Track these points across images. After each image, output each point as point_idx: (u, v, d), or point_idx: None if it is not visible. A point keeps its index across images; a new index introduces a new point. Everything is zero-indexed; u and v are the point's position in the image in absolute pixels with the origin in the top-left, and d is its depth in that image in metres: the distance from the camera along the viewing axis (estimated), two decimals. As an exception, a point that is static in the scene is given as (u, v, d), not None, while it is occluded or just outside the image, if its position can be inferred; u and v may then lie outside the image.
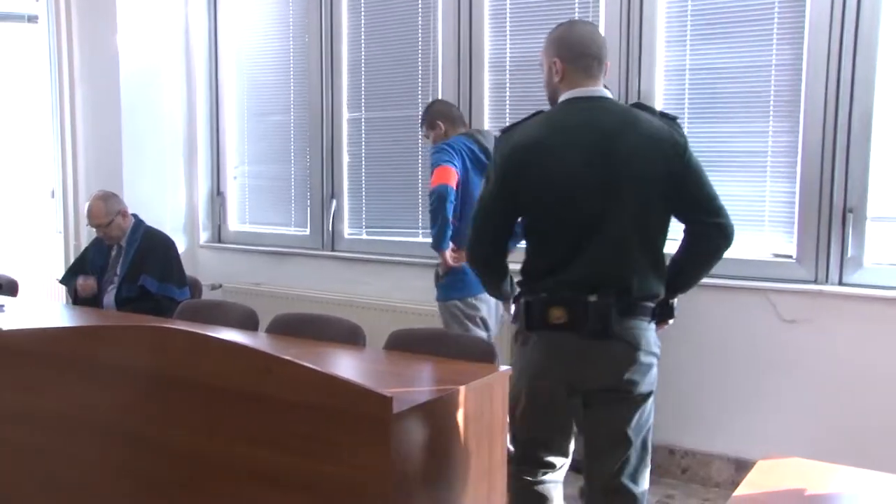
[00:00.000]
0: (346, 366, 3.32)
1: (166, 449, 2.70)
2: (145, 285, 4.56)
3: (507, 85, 4.71)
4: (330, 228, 5.50)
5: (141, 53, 5.71)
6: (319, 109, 5.48)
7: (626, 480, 2.54)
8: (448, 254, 4.08)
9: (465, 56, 4.83)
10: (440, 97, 4.88)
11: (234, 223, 6.11)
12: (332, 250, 5.49)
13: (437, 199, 4.00)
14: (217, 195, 6.11)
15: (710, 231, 2.55)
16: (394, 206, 5.27)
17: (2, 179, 7.22)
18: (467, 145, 4.16)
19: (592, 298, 2.46)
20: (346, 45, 5.34)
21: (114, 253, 4.76)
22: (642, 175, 2.49)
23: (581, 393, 2.54)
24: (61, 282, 4.92)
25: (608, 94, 2.61)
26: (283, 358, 2.45)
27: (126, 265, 4.65)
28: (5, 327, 3.26)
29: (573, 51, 2.61)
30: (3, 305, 4.28)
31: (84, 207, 5.35)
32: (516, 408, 2.65)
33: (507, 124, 2.73)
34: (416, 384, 2.86)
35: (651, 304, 2.52)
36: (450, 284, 4.16)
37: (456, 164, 4.06)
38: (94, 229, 4.77)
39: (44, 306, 4.52)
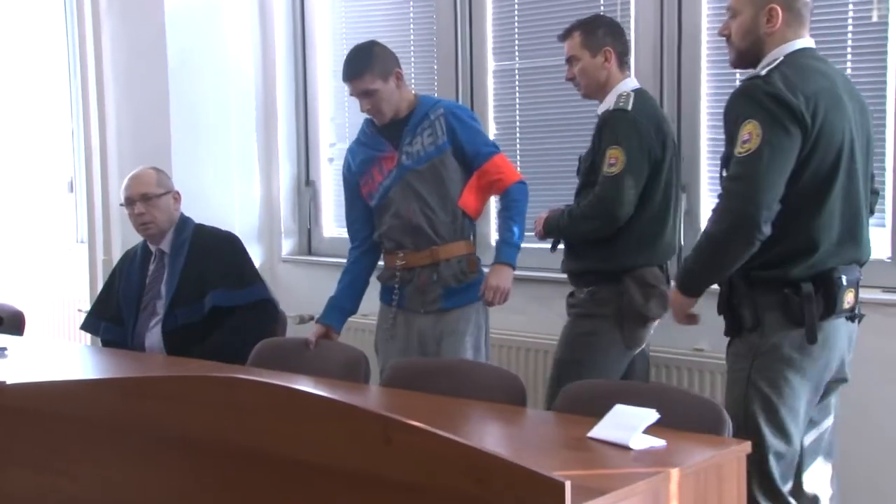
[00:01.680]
0: (497, 434, 3.34)
1: (239, 553, 2.78)
2: (216, 304, 4.65)
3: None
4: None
5: (195, -19, 5.93)
6: (453, 58, 5.56)
7: None
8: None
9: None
10: (632, 37, 4.89)
11: (329, 226, 6.25)
12: (473, 265, 5.54)
13: None
14: (306, 186, 6.26)
15: None
16: (563, 200, 5.26)
17: (3, 167, 7.63)
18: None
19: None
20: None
21: (152, 267, 4.86)
22: (871, 140, 3.57)
23: None
24: (84, 328, 5.05)
25: None
26: (408, 423, 2.49)
27: (175, 279, 4.75)
28: (9, 380, 3.41)
29: None
30: (4, 348, 4.49)
31: (116, 203, 5.59)
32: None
33: (760, 73, 3.41)
34: (603, 463, 2.85)
35: None
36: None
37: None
38: (131, 214, 4.83)
39: (60, 348, 4.72)
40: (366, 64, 4.34)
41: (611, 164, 4.08)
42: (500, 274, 4.37)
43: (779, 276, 3.38)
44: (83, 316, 5.15)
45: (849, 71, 4.31)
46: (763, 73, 3.38)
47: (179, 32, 5.84)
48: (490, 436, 3.33)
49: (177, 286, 4.74)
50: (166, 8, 5.78)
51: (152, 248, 4.88)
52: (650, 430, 2.97)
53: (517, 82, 5.42)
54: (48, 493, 3.25)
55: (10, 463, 3.33)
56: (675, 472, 2.71)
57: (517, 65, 5.40)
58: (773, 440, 3.42)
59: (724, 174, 3.50)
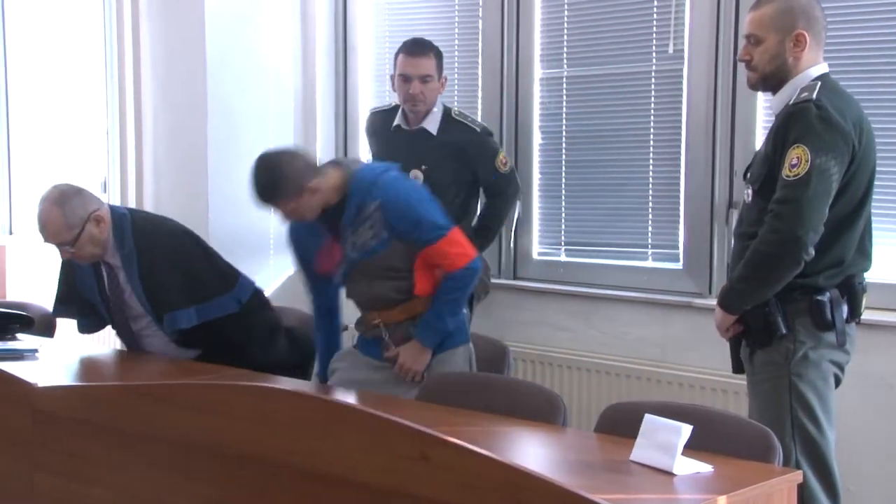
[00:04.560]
0: (535, 454, 3.32)
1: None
2: (178, 326, 4.43)
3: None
4: (511, 245, 5.55)
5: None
6: (498, 64, 5.56)
7: None
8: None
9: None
10: (686, 44, 4.87)
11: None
12: (514, 278, 5.55)
13: None
14: (343, 191, 6.26)
15: None
16: (611, 214, 5.26)
17: (38, 165, 7.68)
18: None
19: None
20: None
21: (105, 277, 4.61)
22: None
23: None
24: (55, 314, 4.94)
25: None
26: (445, 440, 2.48)
27: (142, 294, 4.50)
28: (40, 382, 3.43)
29: (819, 22, 3.69)
30: (35, 350, 4.52)
31: (149, 205, 5.60)
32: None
33: (811, 95, 3.57)
34: (646, 487, 2.83)
35: None
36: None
37: None
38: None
39: (90, 350, 4.74)
40: (275, 193, 4.03)
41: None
42: (414, 354, 4.15)
43: (808, 283, 3.61)
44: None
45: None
46: (814, 96, 3.55)
47: (219, 33, 5.85)
48: (528, 455, 3.30)
49: (149, 300, 4.50)
50: (206, 9, 5.79)
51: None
52: (696, 455, 2.94)
53: (564, 91, 5.39)
54: (76, 500, 3.26)
55: (40, 468, 3.35)
56: (722, 500, 2.68)
57: (565, 73, 5.38)
58: (818, 437, 3.65)
59: (750, 188, 3.76)
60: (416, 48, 5.01)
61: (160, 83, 6.05)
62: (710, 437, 3.11)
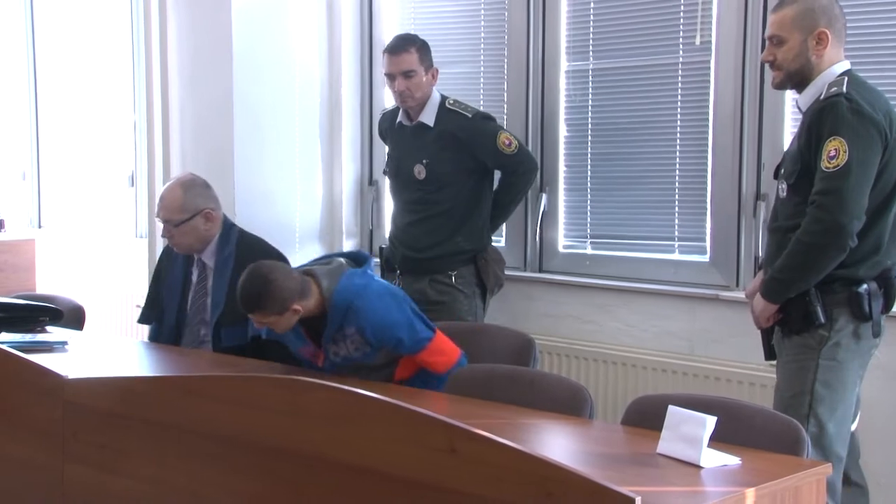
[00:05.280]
0: (563, 446, 3.33)
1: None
2: (256, 333, 4.40)
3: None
4: (536, 238, 5.55)
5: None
6: (524, 57, 5.56)
7: None
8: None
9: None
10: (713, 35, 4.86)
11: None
12: (540, 271, 5.55)
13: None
14: (369, 186, 6.28)
15: None
16: (637, 206, 5.26)
17: (66, 160, 7.73)
18: None
19: None
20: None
21: (195, 275, 4.76)
22: None
23: None
24: (142, 321, 5.01)
25: None
26: (473, 432, 2.48)
27: (221, 299, 4.60)
28: (71, 374, 3.45)
29: (839, 20, 3.81)
30: (65, 342, 4.55)
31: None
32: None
33: (841, 89, 3.69)
34: (674, 480, 2.83)
35: None
36: None
37: None
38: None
39: (119, 343, 4.77)
40: (259, 305, 4.00)
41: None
42: None
43: (848, 275, 3.75)
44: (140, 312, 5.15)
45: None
46: (844, 90, 3.68)
47: (246, 30, 5.86)
48: (556, 448, 3.32)
49: (223, 307, 4.59)
50: (233, 4, 5.80)
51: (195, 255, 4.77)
52: (724, 447, 2.94)
53: (591, 83, 5.39)
54: (106, 492, 3.28)
55: (70, 460, 3.37)
56: (750, 493, 2.68)
57: (591, 65, 5.38)
58: (830, 424, 3.76)
59: (784, 183, 3.89)
60: (395, 45, 5.11)
61: (187, 78, 6.07)
62: (737, 430, 3.12)
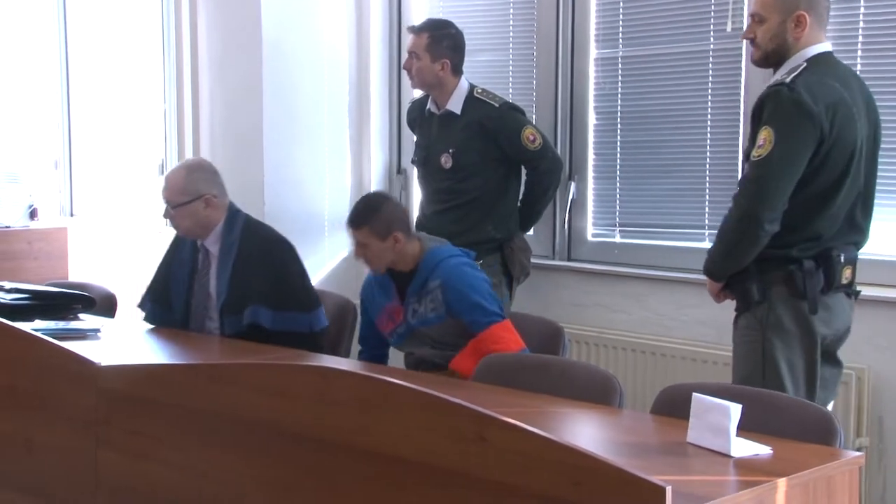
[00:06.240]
0: (592, 435, 3.34)
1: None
2: (257, 321, 4.50)
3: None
4: (565, 227, 5.55)
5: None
6: (554, 44, 5.55)
7: None
8: None
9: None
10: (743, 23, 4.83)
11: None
12: (568, 259, 5.56)
13: None
14: (398, 174, 6.29)
15: None
16: (666, 195, 5.25)
17: (98, 149, 7.76)
18: None
19: None
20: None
21: (200, 261, 4.75)
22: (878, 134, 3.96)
23: None
24: (140, 306, 4.98)
25: None
26: (503, 420, 2.49)
27: (224, 287, 4.61)
28: (104, 361, 3.48)
29: (821, 4, 3.85)
30: (97, 329, 4.58)
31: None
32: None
33: (786, 78, 3.74)
34: (705, 469, 2.83)
35: None
36: None
37: None
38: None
39: (150, 330, 4.79)
40: (366, 220, 4.36)
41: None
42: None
43: (784, 255, 3.82)
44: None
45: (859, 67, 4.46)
46: (788, 79, 3.73)
47: (275, 18, 5.89)
48: (585, 436, 3.32)
49: (226, 294, 4.61)
50: (263, -6, 5.84)
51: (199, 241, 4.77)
52: (755, 437, 2.94)
53: (620, 71, 5.38)
54: (138, 478, 3.31)
55: (103, 446, 3.40)
56: (782, 483, 2.67)
57: (620, 53, 5.37)
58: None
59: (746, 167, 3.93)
60: (413, 26, 5.28)
61: (216, 67, 6.10)
62: (768, 419, 3.12)
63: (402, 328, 4.45)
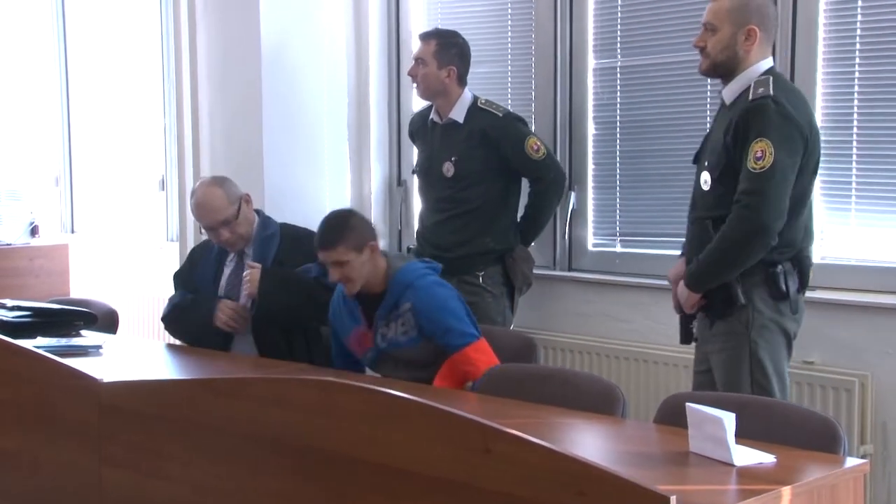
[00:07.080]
0: (596, 446, 3.34)
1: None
2: (311, 271, 4.64)
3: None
4: (566, 237, 5.55)
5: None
6: (552, 54, 5.56)
7: None
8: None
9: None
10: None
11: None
12: (569, 270, 5.54)
13: None
14: (398, 186, 6.29)
15: None
16: (666, 204, 5.25)
17: (98, 165, 7.77)
18: None
19: None
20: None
21: (229, 268, 4.84)
22: None
23: None
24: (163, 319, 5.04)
25: None
26: (507, 432, 2.49)
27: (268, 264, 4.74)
28: (106, 378, 3.48)
29: (771, 19, 4.02)
30: (99, 346, 4.59)
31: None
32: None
33: (768, 91, 3.86)
34: (709, 478, 2.83)
35: None
36: None
37: None
38: (212, 236, 4.81)
39: (152, 346, 4.81)
40: (341, 237, 4.25)
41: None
42: None
43: (763, 259, 3.91)
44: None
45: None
46: (771, 93, 3.86)
47: (274, 31, 5.88)
48: (589, 447, 3.33)
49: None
50: (261, 7, 5.82)
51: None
52: (758, 445, 2.94)
53: (618, 81, 5.38)
54: (142, 493, 3.31)
55: (107, 462, 3.40)
56: (786, 491, 2.67)
57: (619, 62, 5.37)
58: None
59: (708, 177, 4.02)
60: (422, 33, 5.33)
61: (216, 81, 6.10)
62: (772, 428, 3.12)
63: (372, 352, 4.38)
